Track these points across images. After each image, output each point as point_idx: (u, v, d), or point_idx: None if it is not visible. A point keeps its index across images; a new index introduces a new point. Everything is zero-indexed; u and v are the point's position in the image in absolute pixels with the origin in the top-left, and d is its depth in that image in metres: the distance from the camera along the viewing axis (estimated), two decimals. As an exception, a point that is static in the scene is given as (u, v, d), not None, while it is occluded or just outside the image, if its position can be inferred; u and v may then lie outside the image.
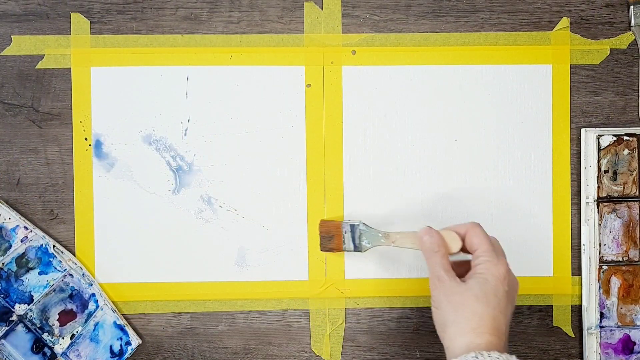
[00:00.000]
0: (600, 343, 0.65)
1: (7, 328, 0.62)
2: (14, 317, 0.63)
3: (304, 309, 0.65)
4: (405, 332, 0.65)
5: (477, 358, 0.48)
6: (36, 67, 0.64)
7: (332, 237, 0.62)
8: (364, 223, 0.61)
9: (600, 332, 0.65)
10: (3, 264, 0.63)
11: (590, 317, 0.65)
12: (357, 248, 0.61)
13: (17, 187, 0.64)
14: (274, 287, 0.65)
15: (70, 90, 0.64)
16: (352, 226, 0.61)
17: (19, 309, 0.63)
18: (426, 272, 0.65)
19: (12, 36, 0.64)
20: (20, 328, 0.63)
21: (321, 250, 0.62)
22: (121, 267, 0.64)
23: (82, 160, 0.64)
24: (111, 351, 0.64)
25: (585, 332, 0.65)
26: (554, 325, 0.66)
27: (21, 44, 0.64)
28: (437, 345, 0.65)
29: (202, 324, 0.65)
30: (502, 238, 0.65)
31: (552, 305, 0.65)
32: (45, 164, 0.64)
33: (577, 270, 0.65)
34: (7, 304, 0.63)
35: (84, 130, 0.64)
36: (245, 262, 0.64)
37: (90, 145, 0.64)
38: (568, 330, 0.66)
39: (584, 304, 0.65)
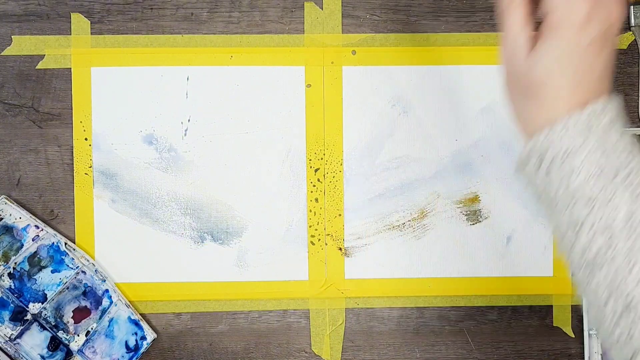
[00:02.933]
0: (602, 345, 0.65)
1: (22, 327, 0.62)
2: (29, 316, 0.63)
3: (304, 309, 0.65)
4: (405, 332, 0.65)
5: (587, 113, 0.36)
6: (36, 67, 0.64)
7: None
8: None
9: (601, 333, 0.65)
10: (16, 263, 0.63)
11: (591, 318, 0.65)
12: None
13: (17, 187, 0.64)
14: (274, 287, 0.65)
15: (71, 90, 0.64)
16: None
17: (33, 307, 0.63)
18: (424, 274, 0.65)
19: (12, 36, 0.64)
20: (35, 327, 0.63)
21: None
22: (121, 267, 0.64)
23: (82, 160, 0.64)
24: (127, 346, 0.64)
25: (586, 334, 0.64)
26: (554, 325, 0.65)
27: (21, 44, 0.64)
28: (437, 345, 0.65)
29: (202, 324, 0.65)
30: (502, 238, 0.65)
31: (552, 306, 0.65)
32: (45, 164, 0.64)
33: (577, 270, 0.65)
34: (21, 304, 0.63)
35: (84, 131, 0.64)
36: (245, 262, 0.64)
37: (90, 145, 0.64)
38: (568, 330, 0.65)
39: (585, 305, 0.64)
